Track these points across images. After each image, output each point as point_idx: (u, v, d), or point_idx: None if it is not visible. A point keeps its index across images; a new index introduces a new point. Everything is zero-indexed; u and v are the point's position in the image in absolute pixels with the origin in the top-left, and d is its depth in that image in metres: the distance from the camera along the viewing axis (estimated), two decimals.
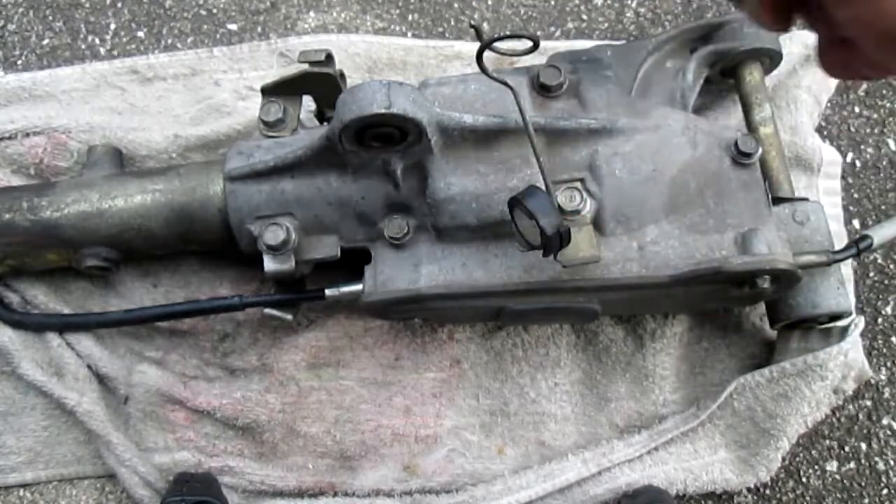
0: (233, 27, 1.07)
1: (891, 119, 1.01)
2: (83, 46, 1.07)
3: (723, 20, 0.84)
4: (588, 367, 0.90)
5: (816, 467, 0.90)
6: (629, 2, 1.07)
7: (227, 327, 0.93)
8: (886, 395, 0.91)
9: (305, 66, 0.83)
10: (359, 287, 0.79)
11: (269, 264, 0.77)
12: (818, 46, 0.41)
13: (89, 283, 0.93)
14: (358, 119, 0.67)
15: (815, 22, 0.39)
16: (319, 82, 0.83)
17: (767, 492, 0.89)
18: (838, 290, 0.81)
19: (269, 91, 0.83)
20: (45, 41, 1.08)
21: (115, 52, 1.07)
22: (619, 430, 0.89)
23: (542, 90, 0.79)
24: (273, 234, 0.76)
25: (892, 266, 0.95)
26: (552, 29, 1.06)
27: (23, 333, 0.88)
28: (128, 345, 0.92)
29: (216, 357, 0.93)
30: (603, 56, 0.81)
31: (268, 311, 0.84)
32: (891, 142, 1.00)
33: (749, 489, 0.88)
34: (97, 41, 1.07)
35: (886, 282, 0.95)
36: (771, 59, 0.86)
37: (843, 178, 0.97)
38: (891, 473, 0.89)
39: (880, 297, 0.94)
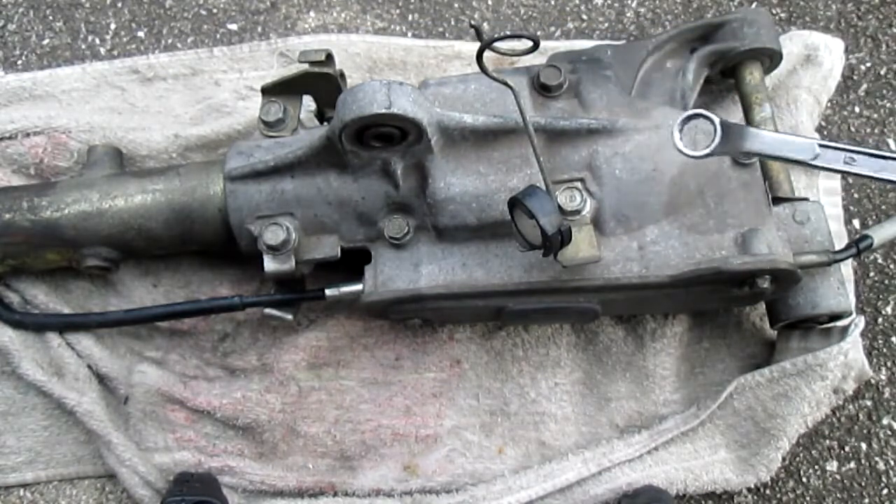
0: (233, 27, 1.07)
1: (891, 119, 1.01)
2: (83, 46, 1.07)
3: (723, 20, 0.84)
4: (588, 366, 0.90)
5: (816, 467, 0.90)
6: (629, 2, 1.07)
7: (227, 327, 0.93)
8: (886, 395, 0.91)
9: (305, 66, 0.83)
10: (359, 287, 0.79)
11: (269, 264, 0.77)
12: None
13: (89, 283, 0.93)
14: (358, 119, 0.67)
15: None
16: (319, 82, 0.83)
17: (767, 492, 0.89)
18: (838, 290, 0.81)
19: (269, 91, 0.84)
20: (45, 41, 1.08)
21: (115, 52, 1.07)
22: (619, 429, 0.89)
23: (542, 90, 0.79)
24: (273, 234, 0.76)
25: (892, 266, 0.95)
26: (552, 29, 1.06)
27: (23, 333, 0.88)
28: (128, 345, 0.92)
29: (216, 357, 0.93)
30: (603, 56, 0.81)
31: (268, 311, 0.84)
32: (891, 142, 1.00)
33: (749, 489, 0.88)
34: (97, 41, 1.07)
35: (886, 282, 0.95)
36: (771, 59, 0.86)
37: (844, 178, 0.97)
38: (891, 473, 0.89)
39: (880, 297, 0.94)
